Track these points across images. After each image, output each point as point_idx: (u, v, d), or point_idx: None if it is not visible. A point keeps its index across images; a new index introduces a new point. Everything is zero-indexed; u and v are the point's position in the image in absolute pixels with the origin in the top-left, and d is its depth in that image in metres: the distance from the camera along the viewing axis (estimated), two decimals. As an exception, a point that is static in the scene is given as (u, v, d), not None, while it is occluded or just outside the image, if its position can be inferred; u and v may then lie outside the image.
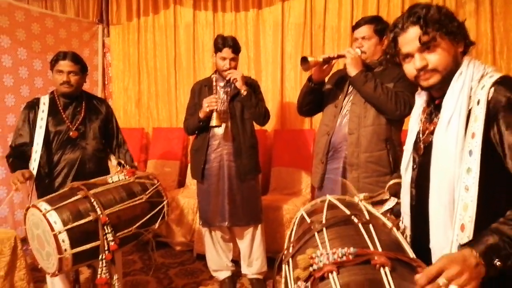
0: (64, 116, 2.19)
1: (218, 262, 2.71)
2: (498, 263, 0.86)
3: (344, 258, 0.98)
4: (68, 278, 2.19)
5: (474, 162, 0.97)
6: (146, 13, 4.05)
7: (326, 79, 2.22)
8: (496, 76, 1.02)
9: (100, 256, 1.83)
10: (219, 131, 2.53)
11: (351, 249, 1.00)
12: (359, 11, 3.37)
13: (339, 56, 2.05)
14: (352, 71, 1.98)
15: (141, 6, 4.08)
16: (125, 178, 2.08)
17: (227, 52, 2.48)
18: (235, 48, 2.51)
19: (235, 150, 2.53)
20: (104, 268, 1.85)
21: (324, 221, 1.17)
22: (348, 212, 1.20)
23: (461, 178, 0.99)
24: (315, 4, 3.50)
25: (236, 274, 2.79)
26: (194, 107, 2.64)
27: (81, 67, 2.20)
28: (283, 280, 1.19)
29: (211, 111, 2.41)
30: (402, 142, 2.04)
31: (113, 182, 2.03)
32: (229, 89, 2.57)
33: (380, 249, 1.01)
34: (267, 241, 2.78)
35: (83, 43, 3.92)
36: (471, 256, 0.86)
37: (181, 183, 3.78)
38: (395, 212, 1.37)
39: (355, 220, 1.15)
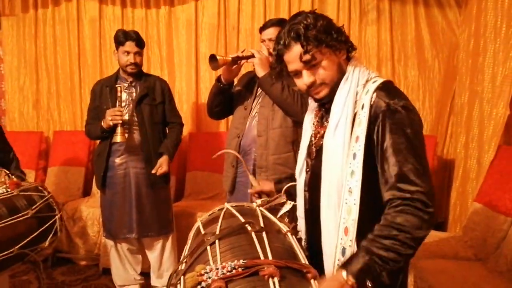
0: None
1: (124, 277, 2.52)
2: (369, 285, 0.88)
3: (234, 271, 0.92)
4: None
5: (357, 165, 0.98)
6: (45, 4, 3.65)
7: (236, 80, 2.18)
8: (379, 81, 1.04)
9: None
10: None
11: (241, 261, 0.94)
12: (271, 13, 3.39)
13: (248, 57, 2.01)
14: (260, 72, 1.95)
15: (38, -3, 3.68)
16: (7, 191, 1.82)
17: (130, 45, 2.31)
18: (139, 41, 2.35)
19: (145, 157, 2.37)
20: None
21: (218, 232, 1.10)
22: (242, 220, 1.14)
23: (346, 181, 0.99)
24: (228, 5, 3.46)
25: (145, 287, 2.61)
26: (95, 110, 2.43)
27: None
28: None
29: (115, 125, 2.23)
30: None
31: (-10, 196, 1.77)
32: (134, 91, 2.39)
33: (270, 258, 0.97)
34: (180, 249, 2.65)
35: (-35, 35, 3.43)
36: (346, 280, 0.87)
37: (87, 192, 3.47)
38: (293, 215, 1.36)
39: (249, 228, 1.10)
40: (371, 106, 1.01)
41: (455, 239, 2.43)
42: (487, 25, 2.64)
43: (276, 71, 1.15)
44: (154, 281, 2.57)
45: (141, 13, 3.58)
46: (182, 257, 1.21)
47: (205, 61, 3.51)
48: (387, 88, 1.03)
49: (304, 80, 1.08)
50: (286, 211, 1.33)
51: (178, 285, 1.05)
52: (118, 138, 2.24)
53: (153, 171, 2.34)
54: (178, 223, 2.69)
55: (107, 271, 2.85)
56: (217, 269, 0.94)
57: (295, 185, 1.29)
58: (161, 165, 2.35)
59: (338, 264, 0.98)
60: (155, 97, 2.42)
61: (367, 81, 1.06)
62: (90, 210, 3.03)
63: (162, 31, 3.57)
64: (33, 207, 1.85)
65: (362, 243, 0.91)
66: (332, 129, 1.05)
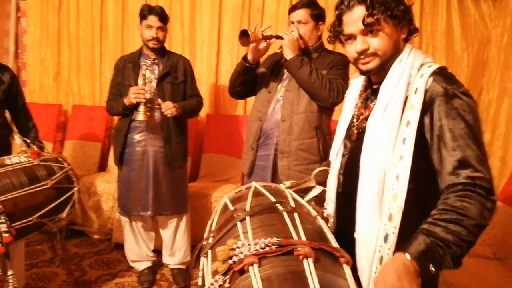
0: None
1: (137, 253, 2.52)
2: (432, 269, 0.83)
3: (267, 248, 0.90)
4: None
5: (407, 151, 0.93)
6: (69, -23, 3.63)
7: (261, 61, 2.13)
8: (435, 66, 1.00)
9: (-9, 249, 1.58)
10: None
11: (274, 239, 0.92)
12: (298, -4, 3.31)
13: (278, 37, 1.96)
14: (289, 54, 1.91)
15: (64, -32, 3.64)
16: (28, 160, 1.82)
17: (153, 19, 2.26)
18: (162, 16, 2.30)
19: (164, 136, 2.34)
20: (-4, 263, 1.60)
21: (248, 209, 1.08)
22: (273, 199, 1.12)
23: (392, 166, 0.95)
24: (254, -14, 3.38)
25: (157, 264, 2.63)
26: (117, 86, 2.41)
27: None
28: (200, 273, 1.08)
29: (138, 103, 2.20)
30: (331, 131, 2.02)
31: (12, 164, 1.77)
32: (156, 69, 2.35)
33: (304, 239, 0.94)
34: (193, 229, 2.65)
35: (-9, 4, 3.42)
36: (409, 265, 0.81)
37: (102, 167, 3.48)
38: (320, 201, 1.32)
39: (280, 208, 1.07)
40: (426, 91, 0.96)
41: (474, 237, 2.37)
42: (523, 19, 2.54)
43: (330, 35, 1.11)
44: (166, 259, 2.57)
45: (166, -10, 3.53)
46: (207, 232, 1.20)
47: (227, 42, 3.50)
48: (445, 74, 0.99)
49: (358, 45, 1.03)
50: (315, 196, 1.30)
51: (205, 259, 1.04)
52: (140, 116, 2.21)
53: (162, 108, 2.26)
54: (192, 204, 2.68)
55: (119, 246, 2.87)
56: (250, 245, 0.91)
57: (326, 170, 1.25)
58: (169, 107, 2.26)
59: (379, 250, 0.95)
60: (177, 76, 2.38)
61: (422, 65, 1.01)
62: (106, 185, 3.03)
63: (186, 9, 3.51)
64: (53, 178, 1.85)
65: (422, 226, 0.87)
66: (380, 111, 1.01)
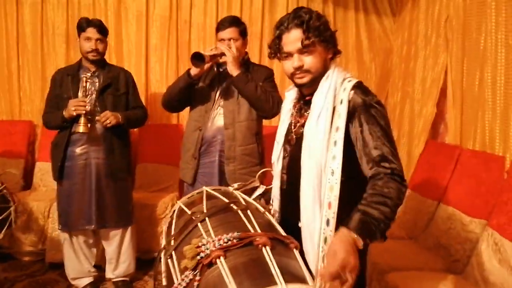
0: None
1: (78, 269, 2.46)
2: (367, 241, 1.04)
3: (230, 242, 1.03)
4: None
5: (338, 151, 1.14)
6: (-22, -17, 3.37)
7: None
8: (354, 81, 1.23)
9: None
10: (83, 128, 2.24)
11: (235, 234, 1.05)
12: (224, 9, 3.48)
13: (221, 54, 2.05)
14: (234, 71, 2.03)
15: (-31, -26, 3.37)
16: (-42, 182, 1.73)
17: (91, 31, 2.27)
18: (101, 28, 2.31)
19: (107, 148, 2.32)
20: None
21: (205, 211, 1.20)
22: (226, 200, 1.25)
23: (327, 164, 1.15)
24: (181, -1, 3.48)
25: (99, 279, 2.58)
26: (55, 99, 2.35)
27: None
28: (164, 274, 1.17)
29: (78, 115, 2.18)
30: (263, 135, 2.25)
31: None
32: (97, 81, 2.34)
33: (259, 231, 1.09)
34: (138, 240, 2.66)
35: None
36: (350, 238, 1.01)
37: (27, 185, 3.28)
38: (264, 198, 1.49)
39: (234, 207, 1.21)
40: (349, 102, 1.18)
41: (391, 222, 2.74)
42: (418, 33, 3.00)
43: (271, 52, 1.29)
44: (109, 273, 2.54)
45: (88, 0, 3.45)
46: (164, 236, 1.29)
47: (155, 52, 3.54)
48: (362, 87, 1.22)
49: (295, 63, 1.22)
50: (259, 194, 1.47)
51: (169, 259, 1.14)
52: (80, 128, 2.17)
53: (100, 118, 2.24)
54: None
55: (54, 266, 2.75)
56: (214, 241, 1.04)
57: (267, 171, 1.43)
58: (107, 116, 2.24)
59: (323, 233, 1.14)
60: (118, 88, 2.39)
61: (344, 79, 1.23)
62: (34, 203, 2.87)
63: (111, 19, 3.47)
64: (-13, 198, 1.77)
65: (358, 207, 1.07)
66: (314, 119, 1.21)
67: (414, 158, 2.95)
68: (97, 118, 2.28)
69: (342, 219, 1.09)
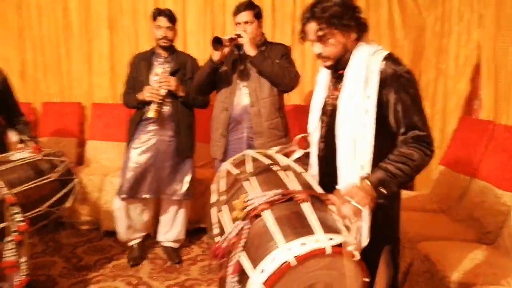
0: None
1: (129, 234, 2.70)
2: (383, 190, 1.20)
3: (273, 198, 1.18)
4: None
5: (370, 118, 1.27)
6: (29, -26, 3.62)
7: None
8: (385, 53, 1.33)
9: (8, 238, 1.73)
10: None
11: (278, 190, 1.20)
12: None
13: (238, 36, 2.21)
14: (251, 51, 2.19)
15: (21, -34, 3.63)
16: (31, 155, 1.97)
17: (162, 20, 2.48)
18: (171, 17, 2.51)
19: (174, 127, 2.54)
20: (11, 251, 1.75)
21: (250, 171, 1.35)
22: (268, 162, 1.40)
23: (360, 131, 1.28)
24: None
25: (147, 245, 2.84)
26: (132, 80, 2.60)
27: None
28: (215, 226, 1.35)
29: (150, 101, 2.40)
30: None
31: (17, 159, 1.91)
32: (168, 66, 2.54)
33: (299, 189, 1.24)
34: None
35: None
36: (366, 185, 1.20)
37: (80, 161, 3.58)
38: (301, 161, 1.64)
39: (276, 168, 1.36)
40: (380, 72, 1.28)
41: (422, 196, 2.81)
42: (452, 9, 2.99)
43: (300, 37, 1.42)
44: (160, 236, 2.77)
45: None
46: (214, 193, 1.46)
47: (192, 37, 3.68)
48: (393, 58, 1.32)
49: (315, 50, 1.37)
50: (298, 157, 1.60)
51: (220, 213, 1.30)
52: (150, 113, 2.39)
53: (160, 80, 2.45)
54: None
55: (109, 234, 3.02)
56: (259, 196, 1.19)
57: (304, 136, 1.57)
58: (169, 79, 2.45)
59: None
60: (185, 73, 2.58)
61: (375, 52, 1.33)
62: (89, 177, 3.14)
63: (149, 4, 3.57)
64: (56, 171, 2.00)
65: (379, 165, 1.22)
66: (347, 90, 1.33)
67: (447, 135, 2.98)
68: (160, 77, 2.46)
69: None
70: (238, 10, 2.29)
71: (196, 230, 3.11)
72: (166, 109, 2.52)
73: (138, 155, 2.55)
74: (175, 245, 2.78)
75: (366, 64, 1.31)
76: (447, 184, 2.67)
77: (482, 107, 2.73)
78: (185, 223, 2.77)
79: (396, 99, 1.27)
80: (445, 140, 3.00)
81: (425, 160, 1.23)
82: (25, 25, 3.70)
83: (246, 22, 2.26)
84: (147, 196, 2.59)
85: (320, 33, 1.31)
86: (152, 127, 2.54)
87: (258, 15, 2.31)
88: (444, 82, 3.12)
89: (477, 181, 2.40)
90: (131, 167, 2.56)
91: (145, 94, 2.42)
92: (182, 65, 2.59)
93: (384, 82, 1.28)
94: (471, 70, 2.78)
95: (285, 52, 2.36)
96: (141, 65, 2.57)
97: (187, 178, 2.65)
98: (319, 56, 1.38)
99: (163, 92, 2.44)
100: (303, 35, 1.39)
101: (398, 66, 1.29)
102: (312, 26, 1.33)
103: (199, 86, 2.41)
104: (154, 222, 2.85)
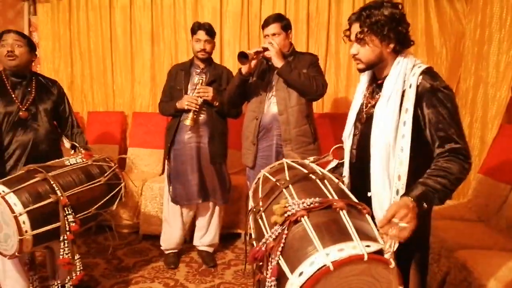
0: (13, 96, 2.12)
1: (171, 240, 2.82)
2: (425, 205, 1.20)
3: (312, 205, 1.23)
4: (21, 261, 2.16)
5: (407, 130, 1.31)
6: (78, -8, 3.89)
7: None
8: (423, 67, 1.36)
9: (62, 237, 1.88)
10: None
11: (316, 199, 1.25)
12: (291, 2, 3.65)
13: (265, 49, 2.31)
14: (278, 63, 2.27)
15: (71, -16, 3.90)
16: (83, 161, 2.12)
17: (201, 34, 2.60)
18: (209, 31, 2.62)
19: (209, 134, 2.65)
20: (66, 249, 1.89)
21: (288, 179, 1.41)
22: (305, 171, 1.45)
23: (397, 142, 1.32)
24: (251, -6, 3.70)
25: (183, 251, 2.96)
26: (169, 90, 2.73)
27: (28, 41, 2.16)
28: (253, 231, 1.41)
29: (188, 109, 2.52)
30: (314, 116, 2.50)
31: (70, 164, 2.06)
32: (204, 77, 2.66)
33: (336, 198, 1.28)
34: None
35: (7, 21, 3.68)
36: (409, 202, 1.18)
37: (121, 167, 3.76)
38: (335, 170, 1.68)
39: (313, 176, 1.41)
40: (417, 86, 1.32)
41: (461, 205, 2.76)
42: (492, 16, 2.92)
43: (344, 34, 1.49)
44: (196, 240, 2.89)
45: (169, 1, 3.81)
46: (251, 199, 1.53)
47: (228, 47, 3.81)
48: (430, 72, 1.35)
49: (351, 50, 1.43)
50: (332, 167, 1.65)
51: (259, 218, 1.37)
52: (187, 122, 2.52)
53: (198, 90, 2.54)
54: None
55: (147, 237, 3.18)
56: (298, 203, 1.25)
57: (340, 147, 1.61)
58: (208, 90, 2.55)
59: (394, 198, 1.31)
60: (221, 83, 2.70)
61: (414, 65, 1.37)
62: (130, 183, 3.31)
63: (189, 18, 3.80)
64: (105, 175, 2.14)
65: (419, 181, 1.24)
66: (385, 100, 1.37)
67: (487, 143, 2.91)
68: (198, 87, 2.56)
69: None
70: (266, 23, 2.39)
71: (230, 236, 3.21)
72: (202, 117, 2.63)
73: (178, 165, 2.67)
74: (210, 249, 2.88)
75: (405, 77, 1.35)
76: (486, 193, 2.61)
77: (525, 115, 2.65)
78: (219, 228, 2.86)
79: (433, 112, 1.30)
80: (484, 148, 2.93)
81: (463, 173, 1.24)
82: (74, 40, 3.97)
83: (274, 34, 2.35)
84: (193, 202, 2.70)
85: (360, 35, 1.37)
86: (188, 135, 2.65)
87: (286, 27, 2.38)
88: (484, 89, 3.04)
89: (518, 190, 2.34)
90: (173, 176, 2.69)
91: (184, 103, 2.53)
92: (218, 76, 2.70)
93: (422, 96, 1.32)
94: (511, 77, 2.71)
95: (312, 61, 2.42)
96: (179, 75, 2.69)
97: (225, 183, 2.75)
98: (354, 57, 1.44)
99: (200, 101, 2.55)
100: (349, 33, 1.45)
101: (435, 81, 1.32)
102: (355, 27, 1.40)
103: (230, 98, 2.51)
104: (191, 227, 2.96)
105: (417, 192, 1.20)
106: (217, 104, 2.60)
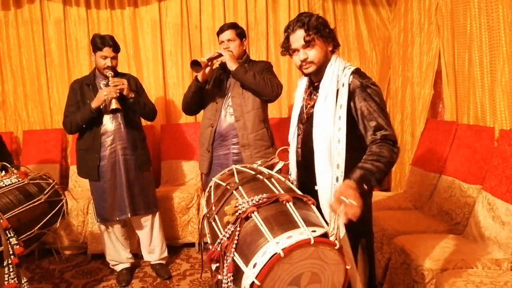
0: None
1: (116, 257, 2.76)
2: (365, 186, 1.31)
3: (260, 201, 1.30)
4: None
5: (342, 124, 1.44)
6: (6, 7, 3.68)
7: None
8: (353, 68, 1.52)
9: (6, 262, 1.78)
10: (111, 127, 2.57)
11: (264, 195, 1.33)
12: (230, 12, 3.75)
13: (219, 55, 2.35)
14: (232, 66, 2.33)
15: (-2, -2, 3.69)
16: (18, 181, 2.02)
17: (107, 51, 2.51)
18: (115, 47, 2.56)
19: (131, 144, 2.62)
20: (11, 273, 1.80)
21: (237, 181, 1.47)
22: (253, 172, 1.53)
23: (335, 135, 1.44)
24: (190, 5, 3.75)
25: (135, 266, 2.90)
26: (76, 105, 2.61)
27: None
28: (209, 236, 1.46)
29: (111, 98, 2.43)
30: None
31: (6, 186, 1.96)
32: (111, 72, 2.55)
33: (282, 192, 1.36)
34: (164, 229, 2.93)
35: None
36: (352, 183, 1.28)
37: (64, 187, 3.59)
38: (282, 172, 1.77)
39: (260, 177, 1.49)
40: (349, 84, 1.47)
41: (398, 196, 2.99)
42: (413, 21, 3.24)
43: (282, 49, 1.57)
44: (146, 256, 2.84)
45: (106, 14, 3.75)
46: (205, 206, 1.57)
47: (170, 57, 3.83)
48: (359, 72, 1.51)
49: (300, 56, 1.51)
50: (279, 168, 1.74)
51: (213, 222, 1.41)
52: (114, 105, 2.42)
53: (114, 81, 2.46)
54: (160, 206, 2.95)
55: (96, 257, 3.06)
56: (248, 201, 1.31)
57: (285, 149, 1.70)
58: (123, 82, 2.47)
59: (334, 188, 1.42)
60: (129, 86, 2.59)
61: (344, 67, 1.52)
62: (73, 202, 3.15)
63: (128, 30, 3.77)
64: (45, 193, 2.06)
65: (357, 165, 1.35)
66: (322, 100, 1.50)
67: (417, 137, 3.18)
68: (113, 79, 2.48)
69: (346, 176, 1.36)
70: (221, 30, 2.46)
71: (181, 246, 3.20)
72: (122, 126, 2.58)
73: (103, 182, 2.61)
74: (162, 261, 2.85)
75: (337, 78, 1.49)
76: (419, 182, 2.86)
77: (445, 109, 2.95)
78: (163, 237, 2.84)
79: (365, 106, 1.44)
80: (415, 142, 3.20)
81: (393, 156, 1.38)
82: (4, 56, 3.75)
83: (229, 40, 2.42)
84: (121, 218, 2.66)
85: (308, 38, 1.47)
86: (110, 149, 2.59)
87: (240, 35, 2.47)
88: (411, 88, 3.34)
89: (445, 177, 2.60)
90: (99, 194, 2.64)
91: (102, 94, 2.44)
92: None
93: (353, 92, 1.46)
94: (433, 76, 3.01)
95: (266, 66, 2.52)
96: (85, 89, 2.60)
97: (152, 191, 2.77)
98: (304, 61, 1.51)
99: (118, 90, 2.46)
100: (287, 46, 1.54)
101: (364, 79, 1.47)
102: (299, 33, 1.48)
103: (187, 105, 2.52)
104: (136, 242, 2.93)
105: (357, 175, 1.31)
106: (132, 96, 2.53)
